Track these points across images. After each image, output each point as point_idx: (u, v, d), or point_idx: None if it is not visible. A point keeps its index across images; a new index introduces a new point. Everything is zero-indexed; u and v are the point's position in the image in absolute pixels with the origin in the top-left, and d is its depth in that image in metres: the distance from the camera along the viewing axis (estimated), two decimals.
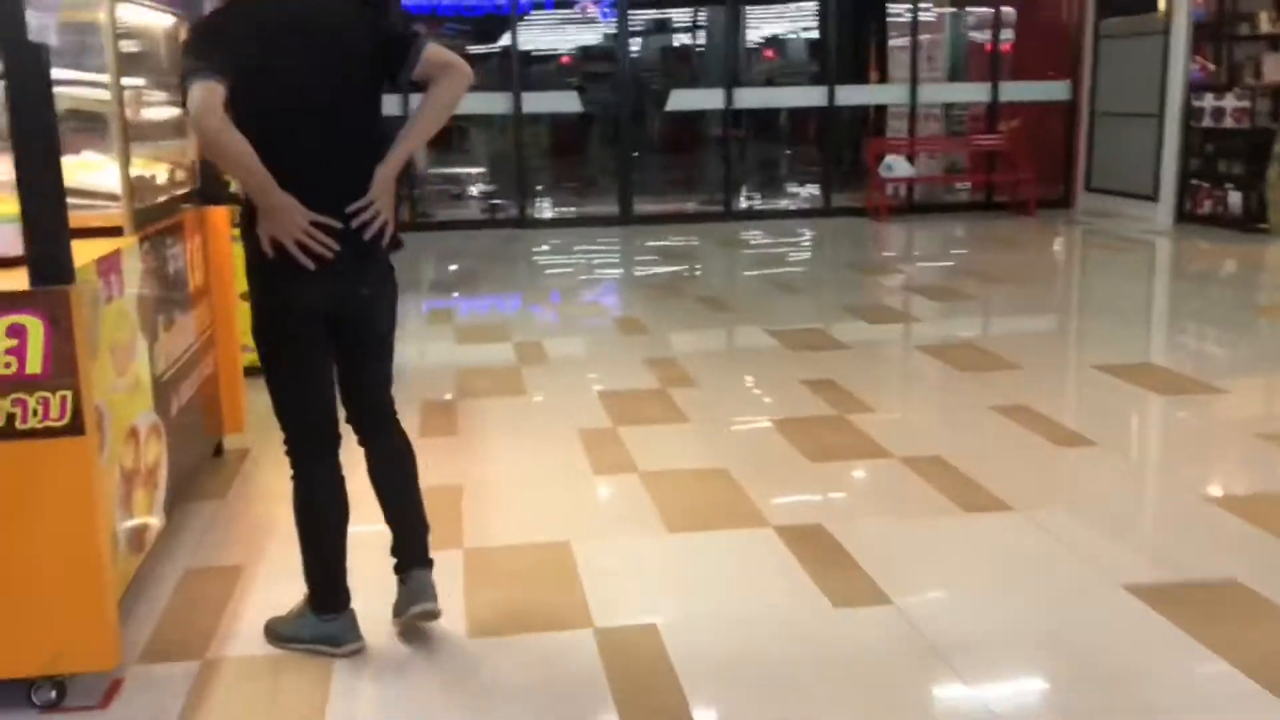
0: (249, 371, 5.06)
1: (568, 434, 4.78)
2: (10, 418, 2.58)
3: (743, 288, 8.51)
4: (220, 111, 2.47)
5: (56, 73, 3.73)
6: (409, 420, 5.21)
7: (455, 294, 8.64)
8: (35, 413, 2.58)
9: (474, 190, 14.02)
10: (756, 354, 6.24)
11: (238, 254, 5.45)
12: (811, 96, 12.64)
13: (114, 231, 3.43)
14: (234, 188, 5.11)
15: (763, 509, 3.90)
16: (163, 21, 4.21)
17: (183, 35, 4.23)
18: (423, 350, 6.61)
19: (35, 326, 2.55)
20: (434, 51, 2.74)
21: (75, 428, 2.61)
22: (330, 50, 2.73)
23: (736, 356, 6.13)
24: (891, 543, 3.66)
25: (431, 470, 4.36)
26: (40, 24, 2.45)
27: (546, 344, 6.51)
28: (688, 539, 3.70)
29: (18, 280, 2.58)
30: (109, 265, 3.12)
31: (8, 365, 2.55)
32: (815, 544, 3.61)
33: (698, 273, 9.49)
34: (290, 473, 2.98)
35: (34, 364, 2.56)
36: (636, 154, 12.60)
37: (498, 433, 4.87)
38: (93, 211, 3.47)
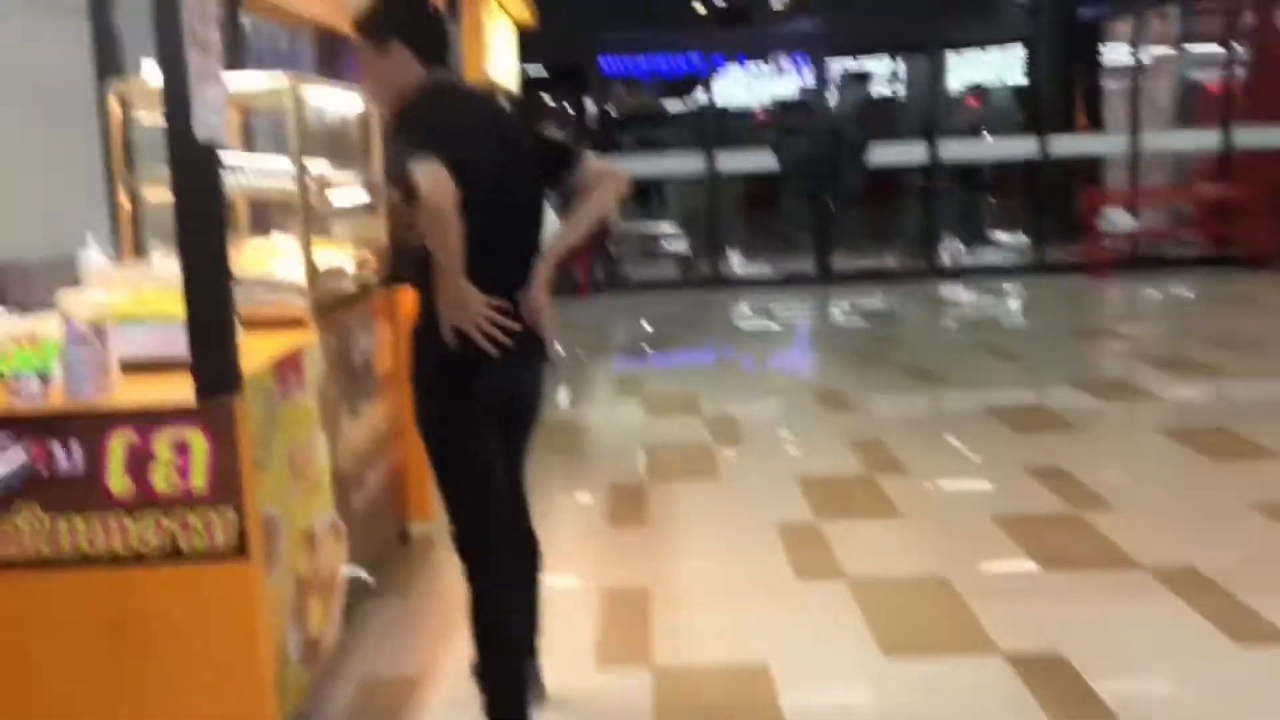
0: None
1: (766, 527, 4.41)
2: (173, 538, 2.42)
3: (952, 354, 7.94)
4: (452, 189, 2.47)
5: (239, 158, 3.69)
6: (596, 504, 5.01)
7: (645, 359, 8.42)
8: (198, 533, 2.41)
9: (667, 247, 13.89)
10: (973, 434, 5.72)
11: None
12: (1021, 148, 11.94)
13: (297, 323, 3.30)
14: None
15: (990, 630, 3.43)
16: (355, 104, 4.13)
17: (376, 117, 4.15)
18: (611, 422, 6.36)
19: (199, 441, 2.38)
20: (593, 161, 2.87)
21: (239, 550, 2.42)
22: (509, 146, 2.81)
23: (950, 437, 5.62)
24: (1147, 681, 3.13)
25: (619, 567, 4.09)
26: (216, 111, 2.28)
27: (741, 419, 6.16)
28: (905, 667, 3.26)
29: (184, 388, 2.42)
30: (288, 363, 2.97)
31: (171, 482, 2.39)
32: (1055, 679, 3.12)
33: (902, 337, 8.96)
34: (466, 575, 2.81)
35: (197, 481, 2.39)
36: (833, 210, 12.16)
37: (690, 524, 4.54)
38: (275, 302, 3.35)
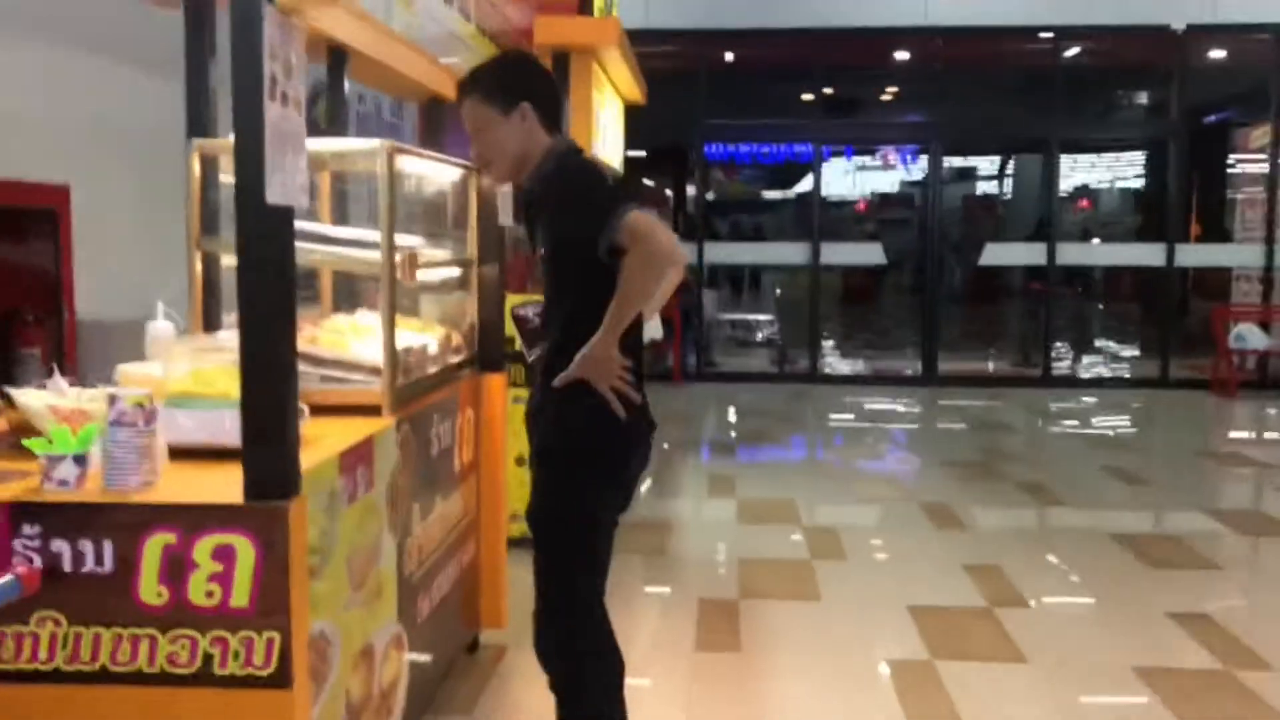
0: (516, 544, 4.58)
1: (874, 664, 3.94)
2: (208, 659, 2.07)
3: (1071, 473, 7.36)
4: None
5: (324, 228, 3.43)
6: (684, 625, 4.49)
7: (737, 455, 7.99)
8: (236, 656, 2.07)
9: (760, 337, 13.54)
10: (1100, 566, 5.18)
11: (516, 425, 5.03)
12: (1147, 255, 11.34)
13: (371, 410, 2.99)
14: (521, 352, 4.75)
15: None
16: (451, 174, 3.87)
17: (471, 187, 3.88)
18: (700, 525, 5.94)
19: (245, 549, 2.05)
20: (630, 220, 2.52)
21: (281, 678, 2.07)
22: None
23: (1076, 569, 5.09)
24: None
25: (709, 702, 3.66)
26: (294, 172, 1.99)
27: (843, 532, 5.70)
28: None
29: (237, 482, 2.09)
30: (357, 457, 2.64)
31: (210, 595, 2.06)
32: None
33: (1012, 448, 8.41)
34: (564, 686, 2.69)
35: (240, 596, 2.05)
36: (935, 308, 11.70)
37: (787, 653, 4.09)
38: (349, 386, 3.05)
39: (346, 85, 4.27)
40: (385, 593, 2.89)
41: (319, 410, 2.89)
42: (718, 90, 11.80)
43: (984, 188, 23.63)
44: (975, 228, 18.22)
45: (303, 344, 3.16)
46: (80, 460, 2.16)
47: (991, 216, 20.30)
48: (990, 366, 12.24)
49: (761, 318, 14.25)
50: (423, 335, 3.51)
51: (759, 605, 4.59)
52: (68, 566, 2.06)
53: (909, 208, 22.84)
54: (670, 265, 2.53)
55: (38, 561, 2.05)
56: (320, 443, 2.62)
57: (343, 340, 3.26)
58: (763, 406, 9.94)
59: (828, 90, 13.51)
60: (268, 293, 2.00)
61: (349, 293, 4.02)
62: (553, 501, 2.66)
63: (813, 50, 11.51)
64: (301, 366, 3.06)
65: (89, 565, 2.06)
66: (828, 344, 13.57)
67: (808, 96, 12.92)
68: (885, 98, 16.03)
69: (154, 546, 2.05)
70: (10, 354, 5.11)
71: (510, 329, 5.18)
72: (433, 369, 3.44)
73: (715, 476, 7.07)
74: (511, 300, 5.16)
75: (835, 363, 12.69)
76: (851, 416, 9.74)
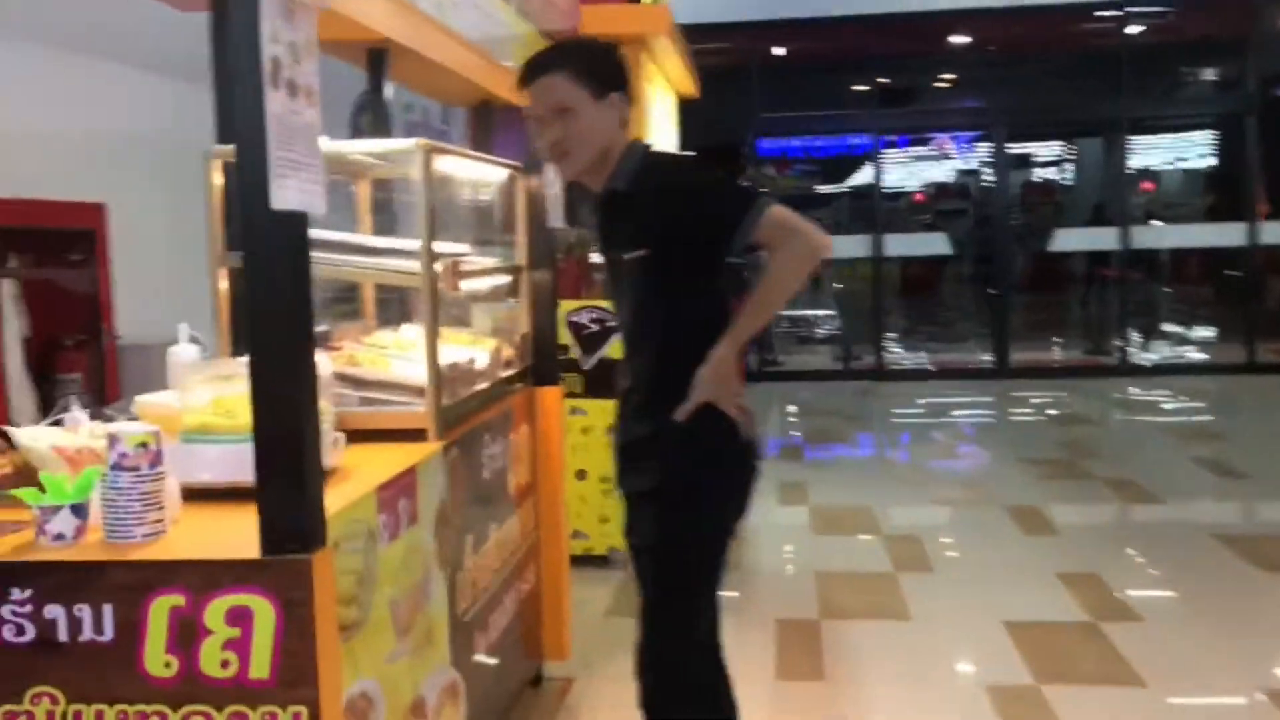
0: (577, 561, 4.31)
1: (974, 691, 3.60)
2: None
3: (1162, 468, 6.90)
4: None
5: (364, 239, 3.16)
6: (762, 648, 4.08)
7: (807, 461, 7.63)
8: None
9: (822, 332, 13.14)
10: (1209, 573, 4.77)
11: (575, 438, 4.73)
12: (1226, 235, 10.79)
13: (416, 434, 2.71)
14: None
15: None
16: (497, 175, 3.59)
17: (521, 187, 3.60)
18: (773, 536, 5.61)
19: (264, 611, 1.77)
20: None
21: None
22: None
23: (1187, 576, 4.68)
24: None
25: None
26: (305, 173, 1.71)
27: (925, 540, 5.34)
28: None
29: (256, 531, 1.81)
30: (398, 489, 2.36)
31: (226, 665, 1.78)
32: None
33: (1094, 442, 7.95)
34: (682, 681, 2.45)
35: (260, 665, 1.77)
36: (995, 292, 11.26)
37: (876, 680, 3.74)
38: (391, 409, 2.77)
39: (389, 90, 3.99)
40: (436, 636, 2.61)
41: (360, 436, 2.63)
42: (770, 84, 11.46)
43: (1042, 174, 22.99)
44: (1035, 215, 17.70)
45: (340, 365, 2.90)
46: (79, 511, 1.89)
47: (1051, 202, 19.72)
48: (1056, 356, 11.75)
49: (822, 313, 13.85)
50: (471, 349, 3.23)
51: (842, 626, 4.25)
52: (63, 635, 1.79)
53: (964, 197, 22.32)
54: (823, 258, 2.31)
55: (30, 631, 1.79)
56: (358, 474, 2.35)
57: (384, 359, 2.99)
58: (829, 405, 9.57)
59: (883, 80, 13.07)
60: (277, 314, 1.71)
61: (398, 305, 3.76)
62: (680, 536, 2.38)
63: (866, 38, 11.13)
64: (339, 389, 2.81)
65: (87, 633, 1.79)
66: (890, 338, 13.15)
67: (862, 87, 12.54)
68: (942, 85, 15.54)
69: (160, 610, 1.78)
70: (51, 379, 4.94)
71: (565, 337, 4.90)
72: (482, 385, 3.15)
73: (784, 481, 6.72)
74: (565, 307, 4.88)
75: (900, 357, 12.27)
76: (922, 413, 9.34)
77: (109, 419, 2.58)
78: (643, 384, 2.44)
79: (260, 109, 1.66)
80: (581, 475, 4.97)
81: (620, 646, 4.18)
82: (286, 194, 1.70)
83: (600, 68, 2.38)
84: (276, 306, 1.72)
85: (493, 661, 3.09)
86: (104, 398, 4.66)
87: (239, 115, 1.68)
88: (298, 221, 1.76)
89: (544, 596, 3.70)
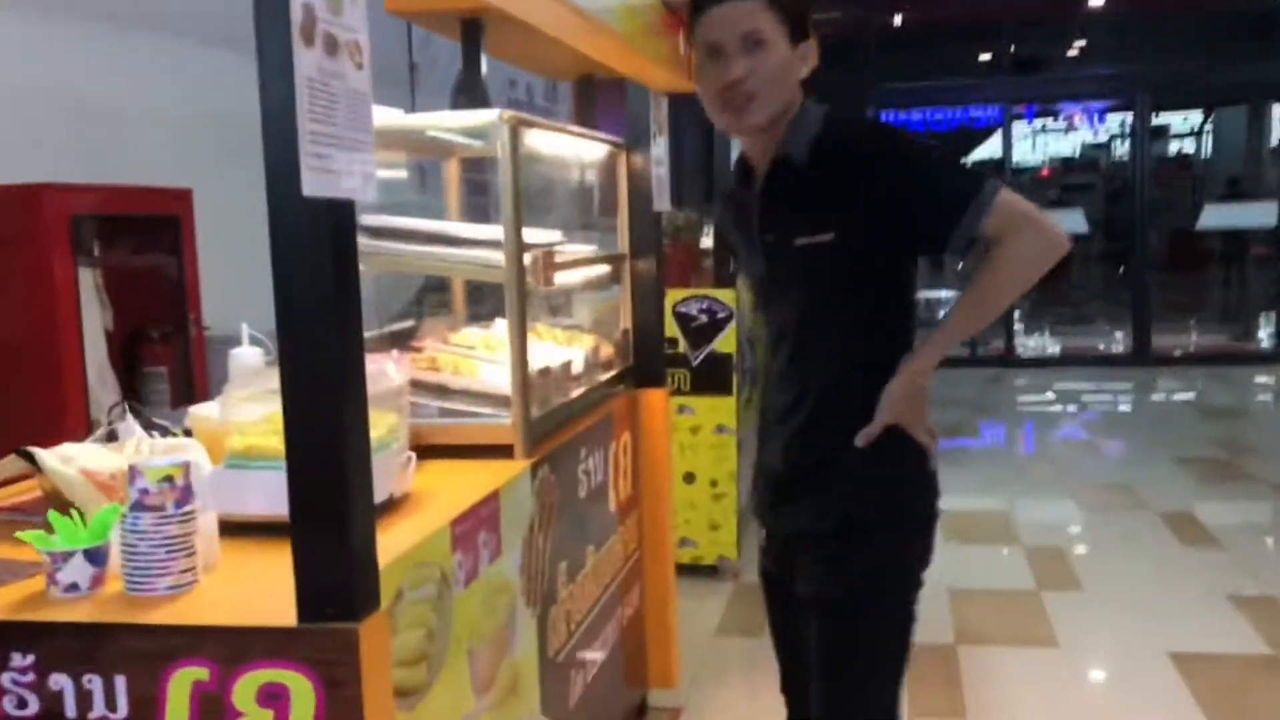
0: (683, 570, 3.96)
1: None
2: None
3: None
4: None
5: (444, 227, 2.84)
6: None
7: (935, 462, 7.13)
8: None
9: (944, 315, 12.53)
10: None
11: (682, 438, 4.35)
12: None
13: (503, 450, 2.37)
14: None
15: None
16: (596, 152, 3.23)
17: (622, 167, 3.24)
18: None
19: (302, 689, 1.44)
20: None
21: None
22: None
23: None
24: None
25: None
26: (351, 151, 1.37)
27: (1072, 554, 4.84)
28: None
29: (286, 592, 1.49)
30: (477, 520, 2.03)
31: None
32: None
33: (1256, 440, 7.26)
34: None
35: None
36: (1122, 270, 10.54)
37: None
38: (474, 421, 2.44)
39: (485, 64, 3.65)
40: (523, 685, 2.27)
41: (439, 452, 2.31)
42: (888, 54, 10.90)
43: (1177, 146, 21.78)
44: (1169, 190, 16.73)
45: (419, 369, 2.58)
46: (94, 556, 1.60)
47: (1190, 177, 18.63)
48: (1201, 341, 10.94)
49: (943, 294, 13.22)
50: (565, 349, 2.89)
51: (982, 653, 3.81)
52: (71, 711, 1.49)
53: (1094, 171, 21.28)
54: (1061, 255, 1.87)
55: (33, 704, 1.50)
56: (431, 501, 2.03)
57: (469, 361, 2.66)
58: (955, 395, 9.01)
59: (1013, 48, 12.36)
60: (312, 325, 1.38)
61: (491, 297, 3.42)
62: (865, 589, 1.96)
63: (992, 4, 10.47)
64: (416, 398, 2.50)
65: (98, 709, 1.49)
66: (1024, 321, 12.47)
67: (985, 56, 11.85)
68: (1073, 52, 14.70)
69: (181, 684, 1.47)
70: (137, 373, 4.77)
71: (671, 329, 4.52)
72: (578, 391, 2.81)
73: None
74: (672, 296, 4.51)
75: (1030, 342, 11.60)
76: (1057, 404, 8.73)
77: (163, 432, 2.31)
78: (810, 401, 1.98)
79: (288, 71, 1.32)
80: (690, 479, 4.61)
81: (731, 669, 3.86)
82: (322, 177, 1.36)
83: (801, 7, 1.93)
84: (312, 317, 1.38)
85: (590, 699, 2.76)
86: (191, 392, 4.45)
87: (263, 79, 1.35)
88: (341, 212, 1.42)
89: (648, 619, 3.35)
